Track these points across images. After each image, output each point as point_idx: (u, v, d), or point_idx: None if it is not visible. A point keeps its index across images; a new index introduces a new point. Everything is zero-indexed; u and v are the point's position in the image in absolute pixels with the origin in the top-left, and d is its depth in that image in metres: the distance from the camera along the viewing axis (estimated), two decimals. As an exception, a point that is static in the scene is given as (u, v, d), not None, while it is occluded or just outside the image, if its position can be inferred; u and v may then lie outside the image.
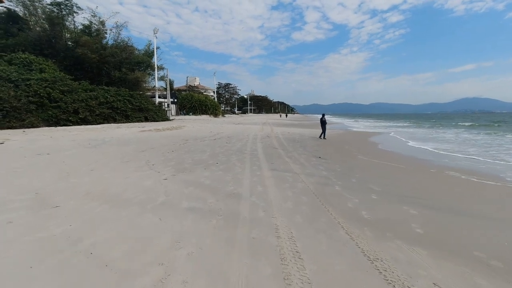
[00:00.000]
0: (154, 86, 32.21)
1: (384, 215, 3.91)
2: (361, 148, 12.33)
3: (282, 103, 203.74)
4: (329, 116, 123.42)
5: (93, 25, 27.70)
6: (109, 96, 21.46)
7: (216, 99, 67.97)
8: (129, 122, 22.53)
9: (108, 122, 20.64)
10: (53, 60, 23.47)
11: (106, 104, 21.01)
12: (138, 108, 24.29)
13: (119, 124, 20.21)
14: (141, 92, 26.85)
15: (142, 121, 24.00)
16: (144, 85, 32.94)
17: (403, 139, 17.48)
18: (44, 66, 20.62)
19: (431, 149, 12.56)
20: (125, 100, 22.81)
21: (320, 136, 17.20)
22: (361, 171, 7.23)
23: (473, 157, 10.38)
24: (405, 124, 41.72)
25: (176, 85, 75.02)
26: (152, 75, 32.25)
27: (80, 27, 27.08)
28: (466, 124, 38.51)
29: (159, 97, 39.46)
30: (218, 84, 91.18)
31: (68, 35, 27.04)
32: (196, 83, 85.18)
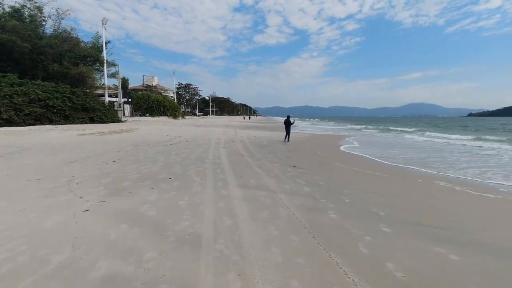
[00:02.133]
0: (103, 84, 28.69)
1: (419, 267, 2.64)
2: (333, 154, 11.41)
3: (244, 105, 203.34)
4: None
5: (26, 9, 23.63)
6: (42, 93, 18.10)
7: (176, 100, 64.37)
8: (70, 123, 19.31)
9: (42, 124, 17.33)
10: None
11: (38, 101, 17.64)
12: (82, 108, 21.06)
13: (55, 126, 17.02)
14: (86, 90, 23.46)
15: (86, 123, 20.82)
16: (93, 82, 29.26)
17: (368, 145, 17.23)
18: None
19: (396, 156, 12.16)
20: (65, 98, 19.54)
21: (285, 139, 16.30)
22: (348, 185, 6.09)
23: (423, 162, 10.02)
24: (361, 127, 43.17)
25: (132, 85, 69.73)
26: (101, 71, 28.71)
27: (8, 10, 22.85)
28: (411, 129, 40.93)
29: (110, 96, 35.65)
30: (178, 85, 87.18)
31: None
32: (155, 83, 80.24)
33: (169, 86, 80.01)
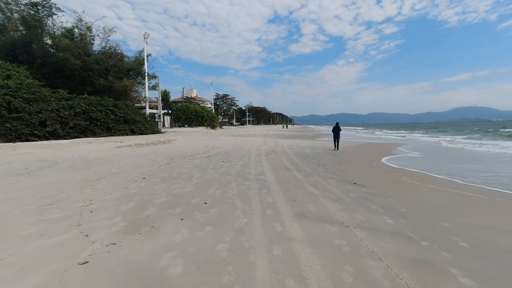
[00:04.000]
0: (145, 96, 29.41)
1: None
2: (392, 166, 9.39)
3: (280, 114, 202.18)
4: (326, 126, 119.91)
5: (76, 29, 25.10)
6: (87, 106, 18.53)
7: (213, 110, 65.34)
8: (112, 135, 19.54)
9: (86, 136, 17.65)
10: (28, 67, 20.73)
11: (83, 114, 18.05)
12: (123, 120, 21.36)
13: (96, 138, 17.18)
14: (127, 102, 23.97)
15: (127, 134, 21.02)
16: (135, 95, 30.18)
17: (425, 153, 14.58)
18: (13, 72, 17.81)
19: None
20: (108, 111, 19.89)
21: (335, 147, 15.14)
22: (440, 212, 4.29)
23: None
24: (415, 133, 38.91)
25: (173, 97, 72.58)
26: (143, 84, 29.51)
27: (61, 30, 24.42)
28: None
29: (151, 108, 36.73)
30: (216, 95, 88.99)
31: (47, 41, 24.37)
32: (194, 95, 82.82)
33: (207, 97, 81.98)
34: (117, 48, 27.52)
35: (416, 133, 42.54)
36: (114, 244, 2.97)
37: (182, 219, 3.82)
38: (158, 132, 26.13)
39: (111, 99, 21.83)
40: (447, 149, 16.53)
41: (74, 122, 17.12)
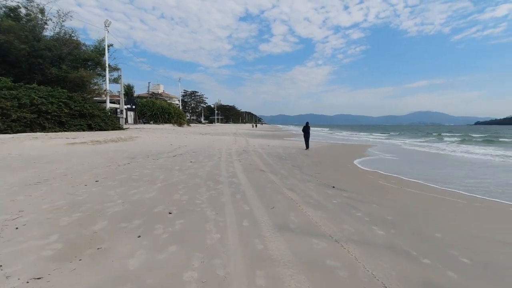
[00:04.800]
0: (105, 90, 27.12)
1: None
2: (368, 167, 9.31)
3: (249, 113, 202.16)
4: (295, 126, 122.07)
5: (23, 9, 22.28)
6: (36, 97, 16.41)
7: (181, 107, 62.92)
8: (65, 131, 17.54)
9: (33, 131, 15.56)
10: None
11: (30, 106, 15.92)
12: (79, 114, 19.34)
13: (45, 133, 15.21)
14: (84, 95, 21.80)
15: (83, 130, 19.06)
16: (94, 87, 27.74)
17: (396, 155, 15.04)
18: None
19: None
20: (60, 103, 17.83)
21: (307, 147, 15.48)
22: (431, 221, 4.01)
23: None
24: (382, 135, 40.76)
25: (138, 92, 68.64)
26: (103, 76, 27.19)
27: (4, 10, 21.48)
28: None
29: (113, 103, 34.17)
30: (184, 92, 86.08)
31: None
32: (160, 91, 79.25)
33: (174, 94, 78.91)
34: (73, 35, 25.06)
35: (381, 135, 44.59)
36: (39, 279, 2.17)
37: (139, 236, 3.07)
38: (120, 128, 24.20)
39: (65, 90, 19.66)
40: (411, 152, 17.20)
41: (18, 114, 14.98)
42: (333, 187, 6.26)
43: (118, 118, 26.67)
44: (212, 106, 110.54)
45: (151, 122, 43.69)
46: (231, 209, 4.22)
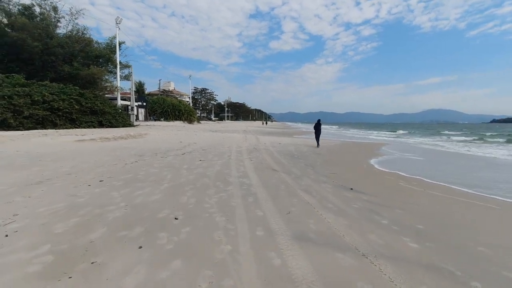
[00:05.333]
0: (117, 87, 27.20)
1: None
2: (385, 168, 8.75)
3: (259, 110, 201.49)
4: (304, 124, 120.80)
5: (37, 7, 22.46)
6: (47, 94, 16.45)
7: (191, 104, 63.01)
8: (76, 127, 17.57)
9: (44, 128, 15.61)
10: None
11: (42, 104, 15.97)
12: (90, 111, 19.35)
13: (54, 130, 15.21)
14: (96, 92, 21.83)
15: (94, 127, 19.07)
16: (105, 84, 27.89)
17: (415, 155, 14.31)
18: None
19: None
20: (72, 100, 17.86)
21: (317, 145, 15.31)
22: (467, 231, 3.52)
23: None
24: (396, 134, 39.59)
25: (149, 90, 69.16)
26: (114, 73, 27.25)
27: (18, 8, 21.69)
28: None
29: (124, 100, 34.38)
30: (194, 89, 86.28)
31: (3, 19, 21.56)
32: (171, 88, 79.66)
33: (185, 91, 79.13)
34: (85, 32, 25.14)
35: (395, 133, 43.36)
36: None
37: (140, 247, 2.73)
38: (131, 125, 24.20)
39: (76, 87, 19.71)
40: (428, 151, 16.41)
41: (31, 111, 15.03)
42: (351, 189, 5.80)
43: (129, 115, 26.71)
44: (222, 103, 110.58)
45: (162, 119, 43.84)
46: (242, 214, 3.84)
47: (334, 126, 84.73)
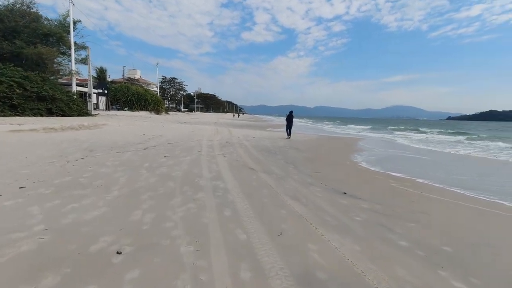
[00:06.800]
0: (71, 71, 24.18)
1: None
2: (371, 165, 8.14)
3: (230, 102, 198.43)
4: (275, 117, 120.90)
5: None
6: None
7: (159, 94, 59.39)
8: (17, 115, 15.04)
9: (-25, 115, 13.06)
10: None
11: (-28, 86, 13.33)
12: (37, 97, 16.76)
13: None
14: (44, 75, 19.01)
15: (42, 115, 16.56)
16: (59, 67, 24.74)
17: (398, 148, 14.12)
18: None
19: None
20: (12, 83, 15.24)
21: (287, 136, 15.75)
22: (506, 253, 2.79)
23: None
24: (365, 128, 40.34)
25: (113, 77, 63.92)
26: (69, 55, 24.18)
27: None
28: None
29: (81, 86, 31.07)
30: (163, 78, 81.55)
31: None
32: (137, 76, 74.59)
33: (152, 80, 74.54)
34: (31, 5, 21.83)
35: (365, 127, 44.32)
36: None
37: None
38: (88, 114, 21.64)
39: (19, 68, 16.94)
40: (403, 146, 16.41)
41: (-46, 95, 12.43)
42: (345, 193, 4.96)
43: (86, 103, 23.98)
44: (192, 94, 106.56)
45: (126, 109, 40.60)
46: (218, 239, 2.76)
47: (306, 120, 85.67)
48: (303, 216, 3.60)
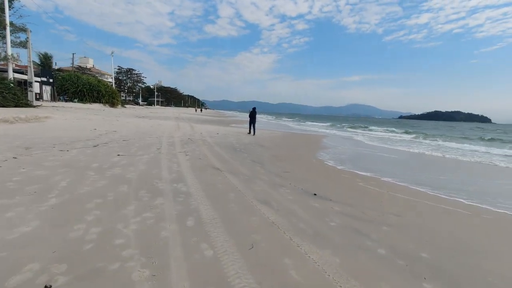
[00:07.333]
0: (7, 55, 21.11)
1: None
2: (338, 164, 8.21)
3: (192, 96, 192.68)
4: (238, 112, 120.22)
5: None
6: None
7: (114, 85, 55.07)
8: None
9: None
10: None
11: None
12: (-39, 83, 14.30)
13: None
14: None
15: (-33, 105, 14.17)
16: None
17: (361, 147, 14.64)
18: None
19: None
20: None
21: (250, 131, 15.80)
22: (481, 259, 2.77)
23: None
24: (326, 125, 41.72)
25: (61, 65, 57.68)
26: (3, 37, 21.08)
27: None
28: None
29: (21, 73, 27.50)
30: (118, 69, 75.88)
31: None
32: (89, 65, 68.52)
33: (107, 71, 69.01)
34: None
35: (329, 125, 45.83)
36: None
37: None
38: (28, 105, 19.09)
39: None
40: (363, 144, 17.13)
41: None
42: (315, 194, 4.79)
43: (27, 93, 21.16)
44: (151, 87, 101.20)
45: (75, 100, 36.97)
46: (180, 259, 2.32)
47: (269, 116, 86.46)
48: (275, 224, 3.30)
